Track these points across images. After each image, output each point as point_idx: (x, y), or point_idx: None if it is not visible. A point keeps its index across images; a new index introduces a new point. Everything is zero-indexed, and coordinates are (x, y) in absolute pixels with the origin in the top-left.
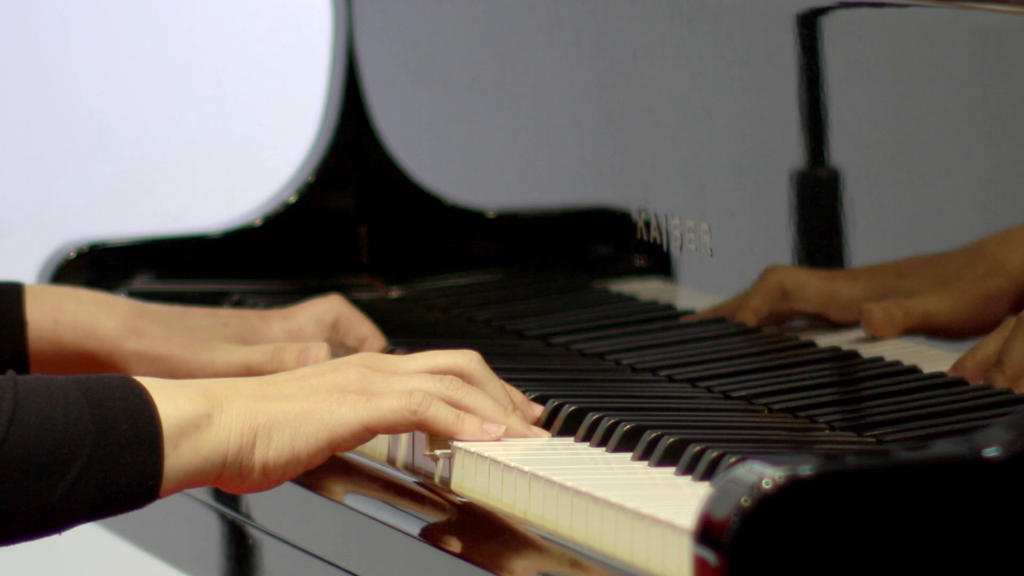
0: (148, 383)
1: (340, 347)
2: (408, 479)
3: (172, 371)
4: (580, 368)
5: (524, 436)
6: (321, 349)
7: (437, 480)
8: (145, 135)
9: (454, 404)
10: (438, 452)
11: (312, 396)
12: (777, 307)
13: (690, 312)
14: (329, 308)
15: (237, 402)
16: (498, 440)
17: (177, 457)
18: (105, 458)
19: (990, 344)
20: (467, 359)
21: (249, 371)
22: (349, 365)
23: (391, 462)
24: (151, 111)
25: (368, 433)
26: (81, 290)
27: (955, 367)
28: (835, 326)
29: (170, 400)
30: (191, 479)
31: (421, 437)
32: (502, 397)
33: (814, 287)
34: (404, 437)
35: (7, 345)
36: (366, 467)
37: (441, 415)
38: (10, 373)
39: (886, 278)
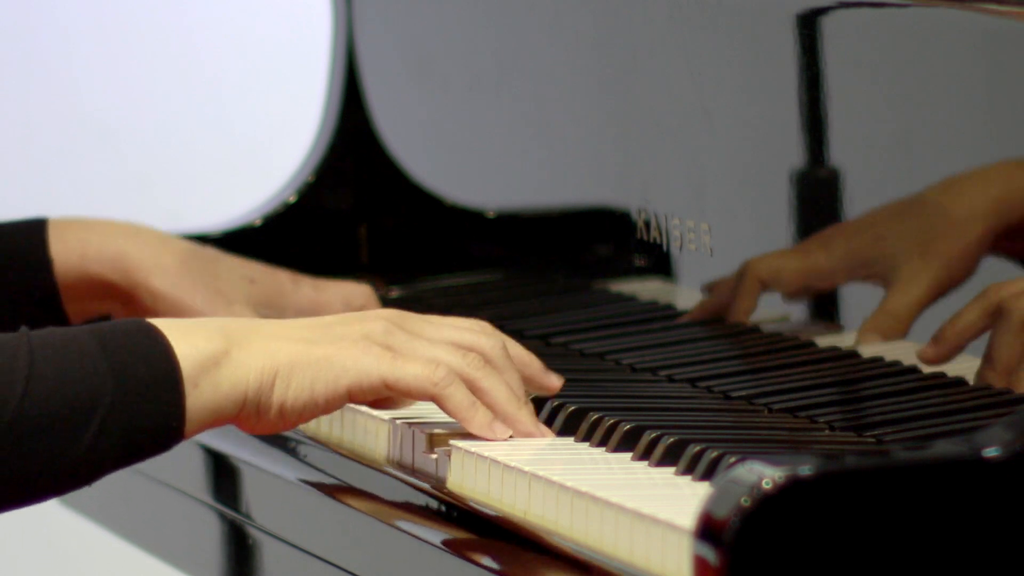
0: (162, 324)
1: None
2: (409, 479)
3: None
4: (580, 368)
5: (531, 435)
6: None
7: (437, 480)
8: (145, 135)
9: (472, 383)
10: (436, 449)
11: (337, 343)
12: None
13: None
14: (360, 295)
15: (257, 340)
16: (505, 440)
17: (198, 395)
18: (126, 404)
19: (970, 313)
20: (491, 343)
21: None
22: (377, 317)
23: (391, 462)
24: (151, 111)
25: (386, 389)
26: (112, 221)
27: (935, 339)
28: (835, 324)
29: (186, 339)
30: (213, 417)
31: (421, 437)
32: (518, 388)
33: (790, 268)
34: (404, 437)
35: (36, 282)
36: (366, 467)
37: (458, 398)
38: (23, 329)
39: (862, 242)
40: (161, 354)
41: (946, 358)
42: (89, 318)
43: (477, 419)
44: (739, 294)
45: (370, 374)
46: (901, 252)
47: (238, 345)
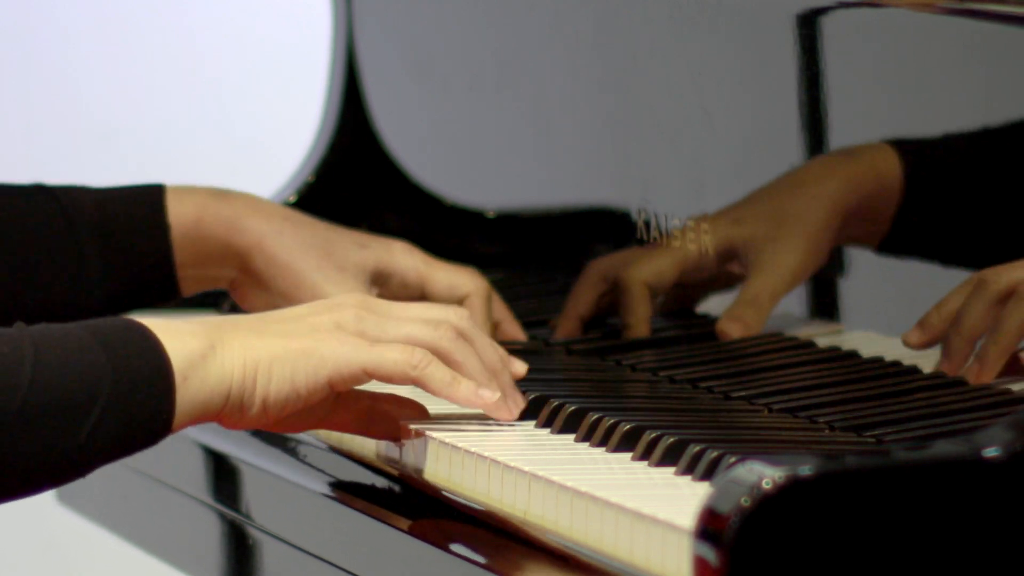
0: (150, 323)
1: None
2: (408, 479)
3: (296, 284)
4: (580, 368)
5: (499, 412)
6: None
7: (437, 480)
8: (145, 135)
9: (445, 355)
10: (436, 449)
11: (313, 334)
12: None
13: (690, 312)
14: (468, 283)
15: (238, 336)
16: (489, 405)
17: (187, 390)
18: (123, 397)
19: (956, 299)
20: (458, 315)
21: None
22: (346, 306)
23: (390, 462)
24: (151, 111)
25: (365, 376)
26: (228, 189)
27: (919, 324)
28: (835, 325)
29: (173, 336)
30: (199, 411)
31: (419, 438)
32: (491, 356)
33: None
34: (404, 439)
35: (152, 248)
36: (365, 467)
37: (438, 376)
38: (18, 324)
39: (724, 228)
40: (153, 350)
41: (929, 343)
42: (202, 287)
43: (461, 392)
44: (629, 306)
45: (350, 363)
46: (759, 236)
47: (220, 342)
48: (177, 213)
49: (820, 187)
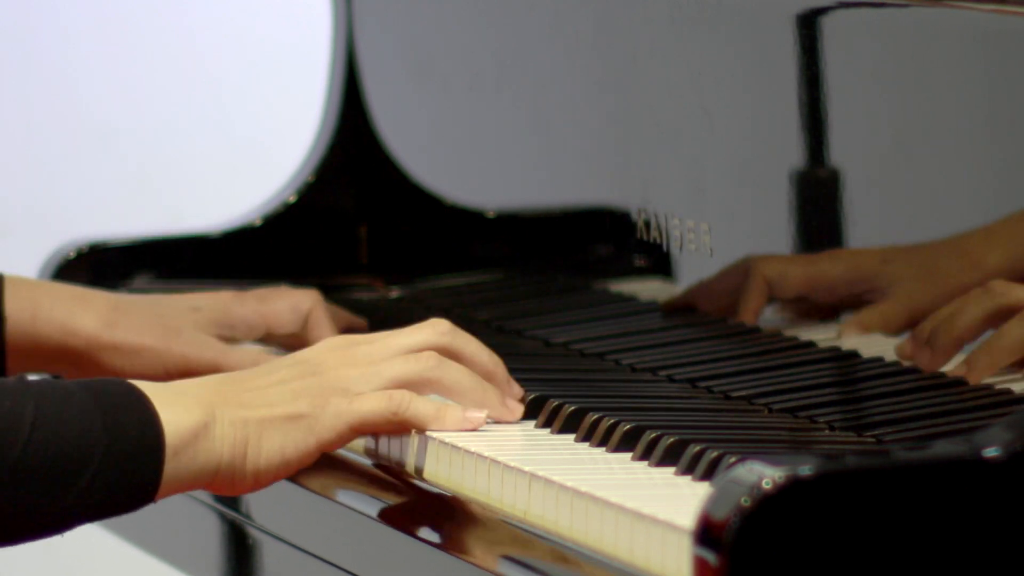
0: (148, 389)
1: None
2: (408, 479)
3: (146, 363)
4: (580, 368)
5: (500, 417)
6: None
7: (437, 480)
8: (145, 135)
9: (434, 384)
10: (436, 450)
11: (296, 401)
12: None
13: (690, 312)
14: (307, 299)
15: (228, 411)
16: (480, 425)
17: (175, 465)
18: (114, 465)
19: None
20: (438, 332)
21: (221, 370)
22: (327, 367)
23: (390, 461)
24: (151, 111)
25: (353, 434)
26: (56, 284)
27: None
28: (835, 324)
29: (170, 409)
30: (185, 485)
31: (419, 438)
32: (482, 359)
33: (795, 273)
34: (404, 439)
35: None
36: (366, 467)
37: (421, 412)
38: (20, 376)
39: (868, 261)
40: (149, 422)
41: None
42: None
43: (449, 420)
44: (747, 294)
45: (335, 427)
46: (902, 276)
47: (213, 418)
48: (13, 308)
49: (979, 258)
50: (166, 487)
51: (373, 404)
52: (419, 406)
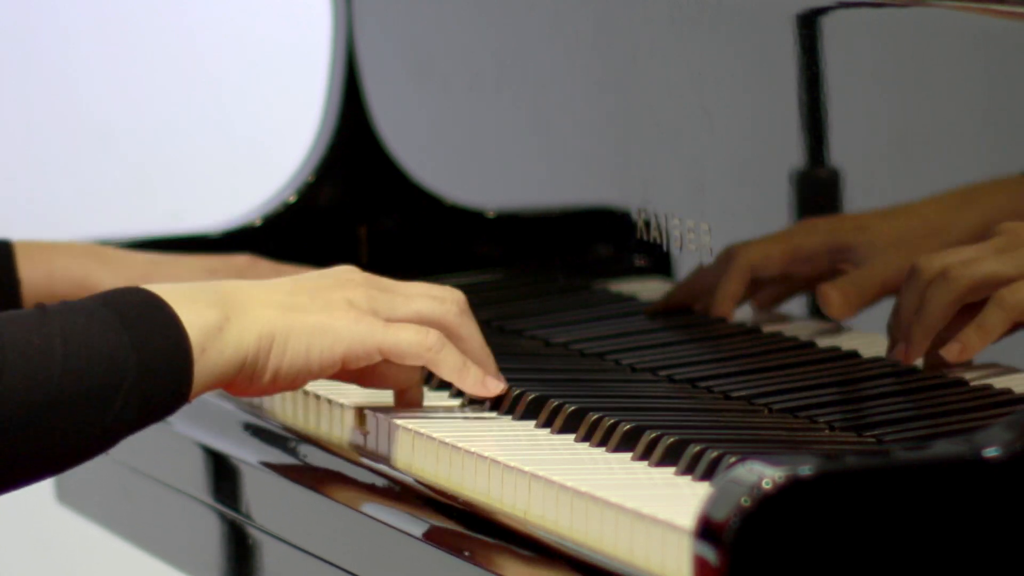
0: (164, 293)
1: None
2: (408, 479)
3: None
4: (580, 368)
5: (495, 386)
6: None
7: (437, 480)
8: (145, 135)
9: (453, 330)
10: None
11: (328, 310)
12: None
13: (690, 312)
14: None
15: (253, 307)
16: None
17: (204, 362)
18: (147, 376)
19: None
20: (458, 295)
21: None
22: (356, 284)
23: (390, 462)
24: (151, 111)
25: (379, 355)
26: (71, 243)
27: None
28: (835, 325)
29: (190, 308)
30: (214, 381)
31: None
32: (476, 347)
33: (775, 252)
34: (404, 439)
35: (3, 304)
36: (365, 467)
37: (450, 361)
38: (40, 306)
39: (845, 233)
40: (172, 325)
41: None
42: None
43: (470, 379)
44: (728, 279)
45: (365, 342)
46: (878, 243)
47: (236, 312)
48: (27, 271)
49: (944, 224)
50: (198, 386)
51: (410, 335)
52: (449, 353)
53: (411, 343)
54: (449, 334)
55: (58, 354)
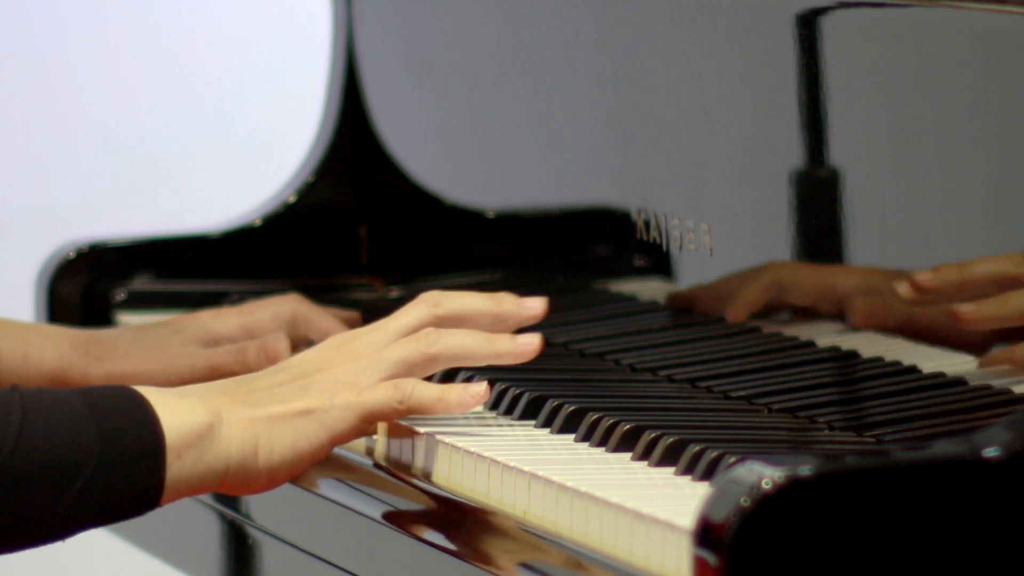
0: (149, 394)
1: (303, 341)
2: (408, 480)
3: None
4: (580, 368)
5: (520, 354)
6: (280, 340)
7: (437, 480)
8: (145, 135)
9: (439, 359)
10: (435, 450)
11: (305, 397)
12: (770, 301)
13: (689, 312)
14: (286, 305)
15: (234, 410)
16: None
17: (180, 467)
18: (110, 469)
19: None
20: (431, 305)
21: (215, 373)
22: (332, 362)
23: (390, 461)
24: (151, 111)
25: (365, 424)
26: (41, 324)
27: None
28: (835, 324)
29: (172, 412)
30: (193, 488)
31: (418, 439)
32: (481, 305)
33: (810, 282)
34: (403, 439)
35: None
36: (365, 467)
37: (426, 397)
38: (13, 387)
39: (882, 279)
40: (148, 424)
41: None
42: None
43: (452, 400)
44: (751, 288)
45: (345, 419)
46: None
47: (219, 418)
48: (5, 347)
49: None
50: (172, 490)
51: (380, 395)
52: (422, 392)
53: (383, 401)
54: (441, 363)
55: (13, 429)
